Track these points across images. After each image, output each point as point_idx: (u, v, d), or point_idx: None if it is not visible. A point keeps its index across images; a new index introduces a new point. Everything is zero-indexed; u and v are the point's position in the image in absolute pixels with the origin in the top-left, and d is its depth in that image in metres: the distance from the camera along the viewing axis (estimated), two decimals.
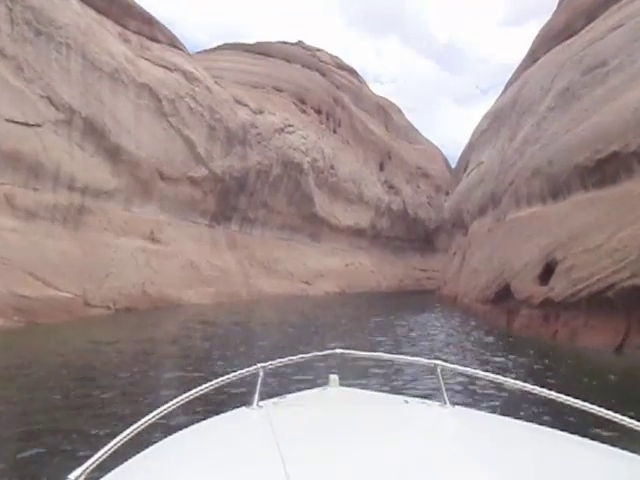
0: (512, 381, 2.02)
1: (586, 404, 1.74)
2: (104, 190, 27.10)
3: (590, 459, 1.59)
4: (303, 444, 1.67)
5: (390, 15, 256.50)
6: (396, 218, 65.89)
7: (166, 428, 2.00)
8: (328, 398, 2.33)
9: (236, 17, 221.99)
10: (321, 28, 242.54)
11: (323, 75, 59.94)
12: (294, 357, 2.39)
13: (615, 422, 1.65)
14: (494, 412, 2.38)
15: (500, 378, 2.06)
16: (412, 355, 2.70)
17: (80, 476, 1.32)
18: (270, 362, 2.25)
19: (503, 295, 20.12)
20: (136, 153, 29.02)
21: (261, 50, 56.42)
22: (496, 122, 32.15)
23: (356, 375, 9.09)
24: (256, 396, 2.06)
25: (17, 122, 21.61)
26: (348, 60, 73.55)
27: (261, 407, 2.03)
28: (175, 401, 1.81)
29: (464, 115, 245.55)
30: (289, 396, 2.26)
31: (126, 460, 1.57)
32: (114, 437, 1.52)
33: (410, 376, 9.99)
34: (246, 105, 41.11)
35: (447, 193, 71.87)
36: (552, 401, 1.83)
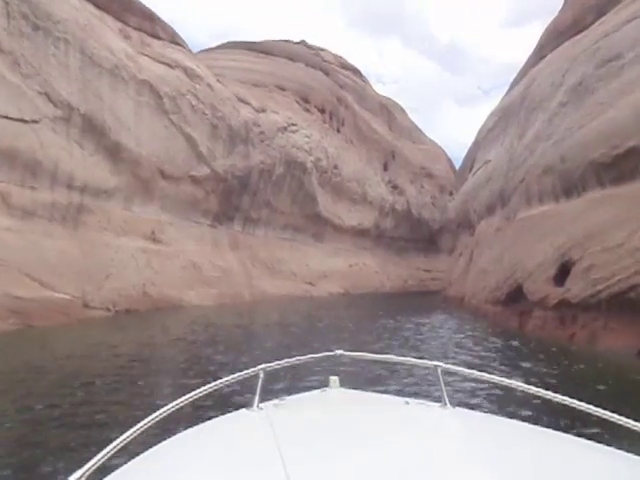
0: (513, 382, 2.01)
1: (583, 404, 1.73)
2: (104, 189, 26.51)
3: (590, 460, 1.58)
4: (304, 446, 1.65)
5: (391, 16, 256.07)
6: (400, 218, 65.35)
7: (166, 430, 1.95)
8: (329, 400, 2.32)
9: (236, 18, 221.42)
10: (322, 29, 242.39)
11: (326, 74, 59.34)
12: (294, 359, 2.40)
13: (615, 423, 1.65)
14: (494, 413, 2.32)
15: (500, 379, 2.06)
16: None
17: (80, 478, 1.32)
18: (270, 364, 2.24)
19: (515, 296, 19.48)
20: (136, 151, 28.43)
21: (264, 49, 55.78)
22: (503, 120, 31.53)
23: (357, 377, 9.14)
24: (257, 398, 2.05)
25: (13, 118, 21.00)
26: (350, 61, 72.97)
27: (261, 409, 2.02)
28: (176, 403, 1.80)
29: (466, 116, 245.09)
30: (289, 398, 2.25)
31: (126, 462, 1.56)
32: (112, 440, 1.51)
33: (411, 377, 9.88)
34: (249, 103, 40.52)
35: (451, 193, 71.36)
36: (552, 402, 1.84)
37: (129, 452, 1.57)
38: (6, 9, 21.09)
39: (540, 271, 17.58)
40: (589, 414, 1.72)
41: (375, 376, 10.14)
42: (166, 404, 1.78)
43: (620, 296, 13.24)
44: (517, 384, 2.00)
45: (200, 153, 33.70)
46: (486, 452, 1.62)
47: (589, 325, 14.36)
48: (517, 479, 1.38)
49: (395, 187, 65.80)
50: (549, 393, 1.84)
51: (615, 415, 1.67)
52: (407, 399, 2.21)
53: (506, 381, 2.04)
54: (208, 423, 1.96)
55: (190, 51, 38.82)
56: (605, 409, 1.70)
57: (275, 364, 2.28)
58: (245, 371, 2.16)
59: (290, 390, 2.85)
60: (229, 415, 2.04)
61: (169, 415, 1.76)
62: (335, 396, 2.35)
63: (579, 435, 1.76)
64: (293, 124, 45.87)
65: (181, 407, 1.82)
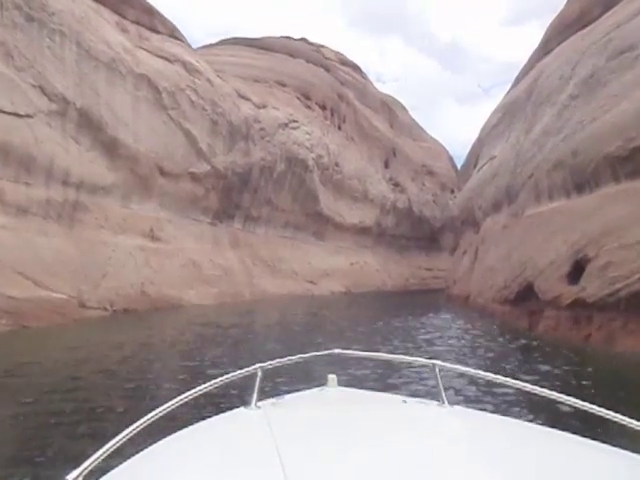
0: (510, 380, 1.98)
1: (579, 401, 1.73)
2: (101, 186, 25.89)
3: (590, 459, 1.56)
4: (301, 444, 1.63)
5: (392, 15, 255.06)
6: (401, 216, 64.83)
7: (164, 429, 1.87)
8: (326, 398, 2.31)
9: (236, 18, 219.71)
10: (322, 28, 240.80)
11: (327, 71, 58.69)
12: (293, 357, 2.38)
13: (615, 422, 1.63)
14: (492, 411, 2.34)
15: (498, 377, 2.04)
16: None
17: (78, 477, 1.31)
18: (269, 362, 2.22)
19: (525, 295, 18.85)
20: (134, 147, 27.80)
21: (264, 45, 55.10)
22: (508, 115, 30.96)
23: (354, 375, 9.17)
24: (254, 396, 2.03)
25: (6, 112, 20.36)
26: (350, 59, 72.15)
27: (259, 407, 2.01)
28: (173, 401, 1.79)
29: (466, 114, 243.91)
30: (287, 396, 2.25)
31: (124, 461, 1.54)
32: (109, 440, 1.49)
33: (408, 376, 9.86)
34: (249, 99, 39.88)
35: (452, 191, 70.90)
36: (551, 400, 1.83)
37: (127, 451, 1.56)
38: None
39: (552, 269, 16.95)
40: (589, 413, 1.70)
41: (373, 374, 10.05)
42: (163, 404, 1.76)
43: None
44: (513, 382, 1.95)
45: (200, 149, 33.08)
46: (484, 450, 1.61)
47: (606, 326, 13.74)
48: (516, 477, 1.36)
49: (396, 185, 65.23)
50: (544, 391, 1.82)
51: (613, 414, 1.65)
52: (405, 397, 2.20)
53: (501, 378, 2.01)
54: (206, 422, 1.95)
55: (189, 45, 38.15)
56: (604, 409, 1.67)
57: (273, 362, 2.26)
58: (243, 370, 2.13)
59: (288, 389, 2.77)
60: (227, 414, 2.02)
61: (166, 414, 1.74)
62: (333, 394, 2.34)
63: (578, 433, 1.72)
64: (294, 120, 45.23)
65: (179, 406, 1.81)
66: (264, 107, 41.71)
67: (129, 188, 28.04)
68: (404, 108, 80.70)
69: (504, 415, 2.08)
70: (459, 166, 57.26)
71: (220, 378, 2.06)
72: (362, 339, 16.88)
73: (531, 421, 1.90)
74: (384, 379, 9.87)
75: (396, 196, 64.34)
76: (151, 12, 33.07)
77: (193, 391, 1.90)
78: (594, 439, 1.66)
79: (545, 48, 28.44)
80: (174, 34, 35.03)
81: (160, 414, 1.73)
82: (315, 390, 2.37)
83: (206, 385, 1.98)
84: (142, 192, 29.13)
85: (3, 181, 20.46)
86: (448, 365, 2.22)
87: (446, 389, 2.05)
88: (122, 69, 26.86)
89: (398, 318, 22.96)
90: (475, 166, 38.43)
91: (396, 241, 64.35)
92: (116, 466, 1.52)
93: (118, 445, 1.51)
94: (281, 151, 42.31)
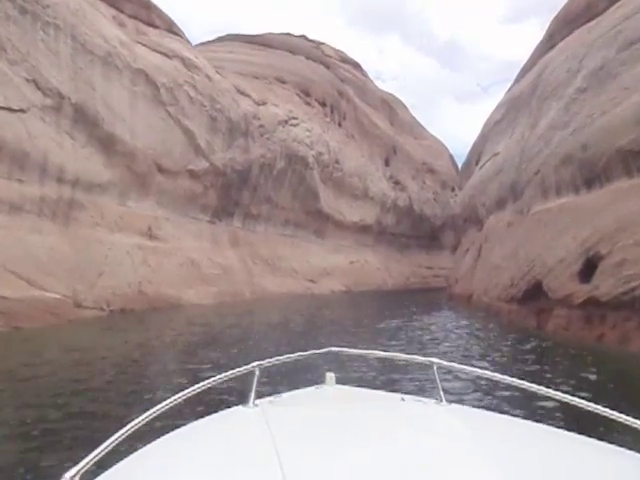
0: (507, 378, 1.98)
1: (576, 399, 1.73)
2: (97, 183, 25.31)
3: (589, 457, 1.55)
4: (299, 442, 1.63)
5: (391, 13, 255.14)
6: (402, 214, 64.36)
7: (161, 427, 1.86)
8: (324, 396, 2.30)
9: (235, 16, 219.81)
10: (322, 27, 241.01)
11: (327, 68, 58.17)
12: (290, 355, 2.37)
13: (615, 421, 1.62)
14: (490, 409, 2.22)
15: (496, 375, 2.04)
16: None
17: (76, 475, 1.31)
18: (267, 360, 2.21)
19: (533, 294, 18.32)
20: (131, 144, 27.22)
21: (263, 42, 54.55)
22: (512, 111, 30.42)
23: (353, 373, 9.15)
24: (252, 394, 2.02)
25: None
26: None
27: (257, 405, 2.00)
28: (171, 400, 1.78)
29: (465, 112, 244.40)
30: (285, 394, 2.23)
31: (121, 459, 1.52)
32: (107, 438, 1.48)
33: (407, 374, 9.79)
34: (248, 96, 39.31)
35: (453, 189, 70.42)
36: (548, 398, 1.85)
37: (125, 449, 1.52)
38: None
39: (562, 267, 16.41)
40: (586, 411, 1.69)
41: (372, 373, 10.00)
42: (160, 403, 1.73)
43: None
44: (512, 380, 1.94)
45: (198, 146, 32.50)
46: (482, 448, 1.59)
47: (620, 325, 13.22)
48: (514, 475, 1.35)
49: (397, 183, 64.74)
50: (542, 388, 1.82)
51: (612, 412, 1.63)
52: (403, 395, 2.19)
53: (498, 376, 2.02)
54: (203, 420, 1.93)
55: (188, 41, 37.56)
56: (603, 407, 1.65)
57: (271, 360, 2.25)
58: (241, 367, 2.13)
59: (286, 387, 2.73)
60: (224, 412, 2.01)
61: (164, 412, 1.71)
62: (331, 392, 2.33)
63: (574, 431, 1.70)
64: (294, 117, 44.68)
65: (176, 404, 1.79)
66: (264, 104, 41.15)
67: (126, 185, 27.47)
68: (404, 106, 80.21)
69: (502, 413, 2.08)
70: (459, 164, 56.84)
71: (218, 376, 2.04)
72: (367, 339, 16.37)
73: (529, 419, 1.80)
74: (382, 377, 9.76)
75: (397, 194, 63.85)
76: (149, 6, 32.50)
77: (191, 389, 1.88)
78: (591, 436, 1.65)
79: (549, 43, 27.99)
80: (172, 29, 34.47)
81: (158, 412, 1.71)
82: (313, 388, 2.36)
83: (204, 383, 1.96)
84: (139, 189, 28.57)
85: None
86: (446, 363, 2.20)
87: (444, 387, 2.05)
88: (119, 64, 26.29)
89: (401, 318, 22.44)
90: (477, 163, 37.89)
91: (396, 239, 63.87)
92: (113, 464, 1.50)
93: (116, 443, 1.49)
94: (281, 148, 41.75)
